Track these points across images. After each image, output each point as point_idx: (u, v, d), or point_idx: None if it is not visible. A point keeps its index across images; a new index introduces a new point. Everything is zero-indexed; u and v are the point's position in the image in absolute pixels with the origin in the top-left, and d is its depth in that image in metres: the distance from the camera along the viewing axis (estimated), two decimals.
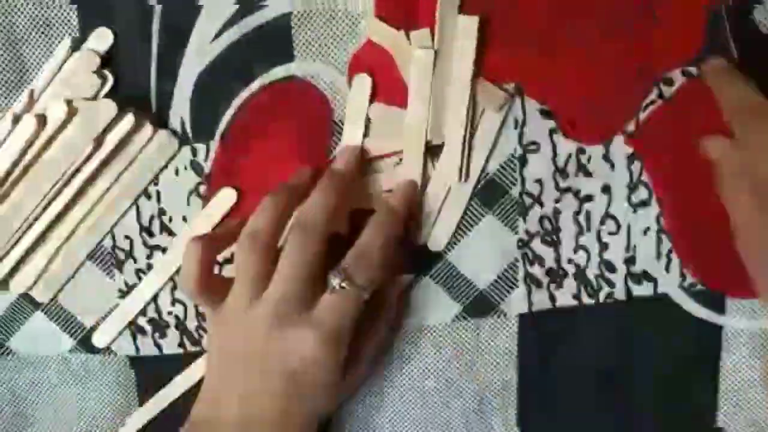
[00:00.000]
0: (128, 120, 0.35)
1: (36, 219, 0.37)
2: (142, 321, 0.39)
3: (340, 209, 0.35)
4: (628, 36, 0.35)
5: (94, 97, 0.36)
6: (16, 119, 0.36)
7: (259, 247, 0.33)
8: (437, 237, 0.38)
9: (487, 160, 0.37)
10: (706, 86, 0.35)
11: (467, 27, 0.35)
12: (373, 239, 0.34)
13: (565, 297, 0.38)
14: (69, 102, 0.35)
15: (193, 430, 0.34)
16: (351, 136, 0.36)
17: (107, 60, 0.36)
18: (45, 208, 0.37)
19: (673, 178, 0.37)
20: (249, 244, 0.33)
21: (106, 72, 0.36)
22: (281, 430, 0.33)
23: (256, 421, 0.33)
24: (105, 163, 0.37)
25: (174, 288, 0.39)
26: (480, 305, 0.38)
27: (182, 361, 0.40)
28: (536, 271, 0.38)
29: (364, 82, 0.36)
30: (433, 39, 0.35)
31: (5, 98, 0.37)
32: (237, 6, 0.35)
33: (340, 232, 0.36)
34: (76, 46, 0.36)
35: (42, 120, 0.35)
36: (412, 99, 0.36)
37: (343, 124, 0.36)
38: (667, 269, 0.38)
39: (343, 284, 0.32)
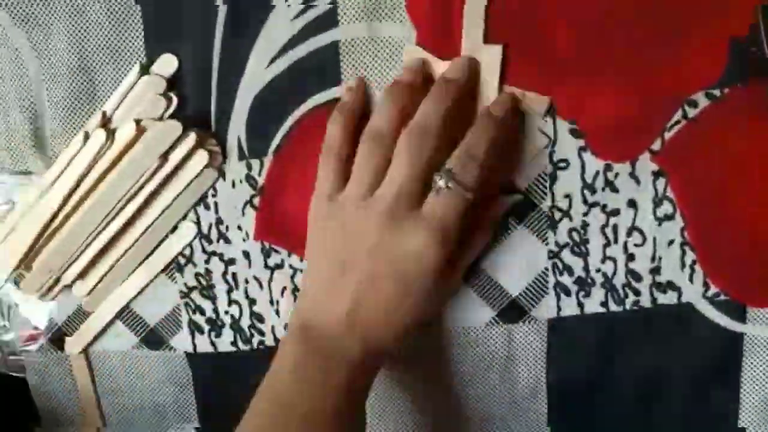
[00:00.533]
0: (191, 139, 0.39)
1: (101, 230, 0.40)
2: (200, 320, 0.42)
3: (453, 115, 0.35)
4: (655, 59, 0.37)
5: (160, 118, 0.39)
6: (87, 136, 0.39)
7: (380, 142, 0.35)
8: None
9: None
10: (729, 108, 0.37)
11: (491, 59, 0.37)
12: (477, 140, 0.35)
13: (593, 305, 0.40)
14: (138, 122, 0.39)
15: (304, 332, 0.35)
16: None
17: (172, 83, 0.39)
18: (111, 220, 0.40)
19: (696, 194, 0.38)
20: (371, 138, 0.35)
21: (171, 94, 0.39)
22: (390, 321, 0.35)
23: (369, 307, 0.34)
24: (167, 180, 0.40)
25: (230, 290, 0.42)
26: (512, 311, 0.41)
27: (236, 359, 0.43)
28: (565, 280, 0.40)
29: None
30: None
31: (79, 119, 0.40)
32: (290, 36, 0.38)
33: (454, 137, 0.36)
34: (144, 71, 0.39)
35: (111, 135, 0.39)
36: None
37: None
38: (691, 279, 0.39)
39: (450, 184, 0.33)
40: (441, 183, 0.34)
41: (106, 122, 0.39)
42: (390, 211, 0.34)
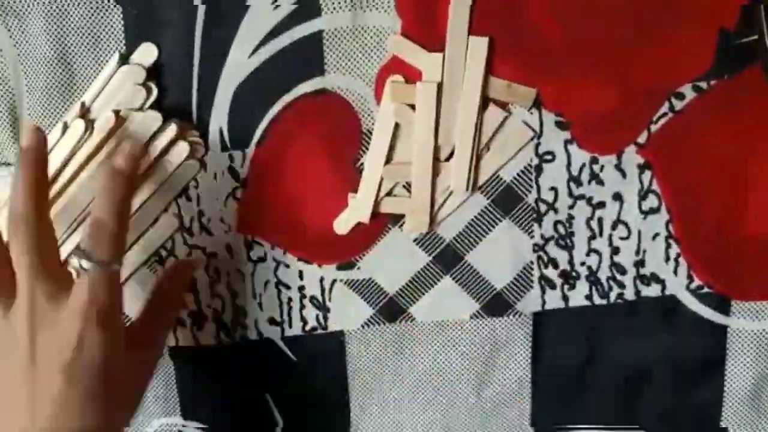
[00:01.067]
0: (171, 130, 0.38)
1: (80, 223, 0.40)
2: (182, 313, 0.42)
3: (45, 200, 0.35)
4: (642, 51, 0.37)
5: (140, 108, 0.38)
6: (66, 127, 0.38)
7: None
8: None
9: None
10: (715, 101, 0.37)
11: (477, 49, 0.37)
12: (103, 208, 0.33)
13: (577, 298, 0.40)
14: (117, 112, 0.38)
15: None
16: (378, 141, 0.38)
17: (152, 73, 0.38)
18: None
19: (681, 187, 0.38)
20: None
21: (151, 84, 0.38)
22: (79, 415, 0.32)
23: (47, 413, 0.31)
24: (147, 172, 0.39)
25: (213, 282, 0.41)
26: (497, 304, 0.40)
27: (218, 353, 0.42)
28: (550, 273, 0.40)
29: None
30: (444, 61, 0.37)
31: (58, 108, 0.39)
32: (273, 25, 0.37)
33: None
34: (124, 61, 0.38)
35: (90, 126, 0.38)
36: (417, 127, 0.38)
37: (370, 135, 0.39)
38: (675, 272, 0.40)
39: (83, 264, 0.32)
40: (76, 264, 0.32)
41: (84, 113, 0.38)
42: (32, 316, 0.32)
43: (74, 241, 0.40)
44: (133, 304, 0.40)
